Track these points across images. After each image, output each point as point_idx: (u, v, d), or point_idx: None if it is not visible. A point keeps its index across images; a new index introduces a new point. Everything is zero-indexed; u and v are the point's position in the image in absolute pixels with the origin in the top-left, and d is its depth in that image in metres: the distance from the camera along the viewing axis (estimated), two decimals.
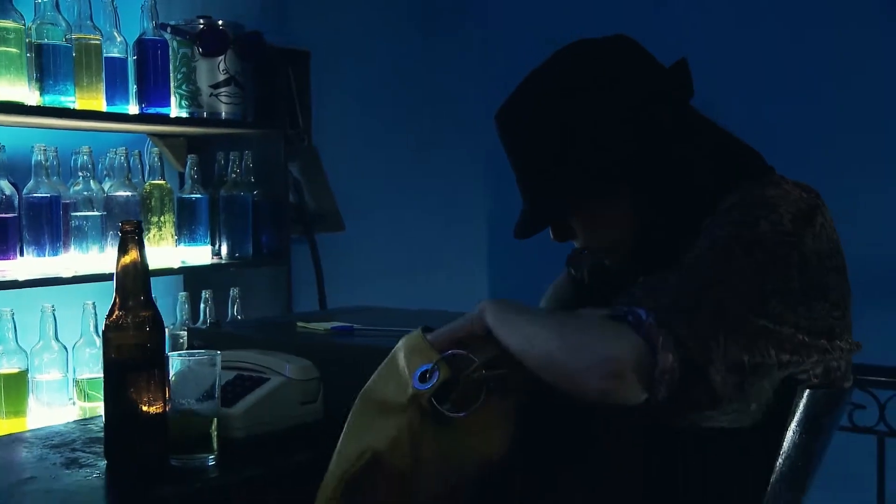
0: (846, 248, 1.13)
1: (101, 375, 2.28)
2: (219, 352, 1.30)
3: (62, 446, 1.41)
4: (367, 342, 1.55)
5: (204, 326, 2.05)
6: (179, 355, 1.31)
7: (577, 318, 1.11)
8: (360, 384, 1.48)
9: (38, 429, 1.56)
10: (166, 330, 2.39)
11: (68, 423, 1.62)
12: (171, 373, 1.30)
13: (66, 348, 2.27)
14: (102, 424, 1.46)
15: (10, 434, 1.61)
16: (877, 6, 3.01)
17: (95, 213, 2.30)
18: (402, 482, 1.12)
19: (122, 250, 1.30)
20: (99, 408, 2.29)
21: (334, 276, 3.03)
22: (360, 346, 1.54)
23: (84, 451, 1.38)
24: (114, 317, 1.30)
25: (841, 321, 1.10)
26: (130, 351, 1.28)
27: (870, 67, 3.02)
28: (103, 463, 1.31)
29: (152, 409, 1.29)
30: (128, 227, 1.30)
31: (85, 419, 1.58)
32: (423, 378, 1.14)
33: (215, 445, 1.29)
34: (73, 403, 2.31)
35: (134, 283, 1.30)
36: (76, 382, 2.31)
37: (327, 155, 3.08)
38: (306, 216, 2.95)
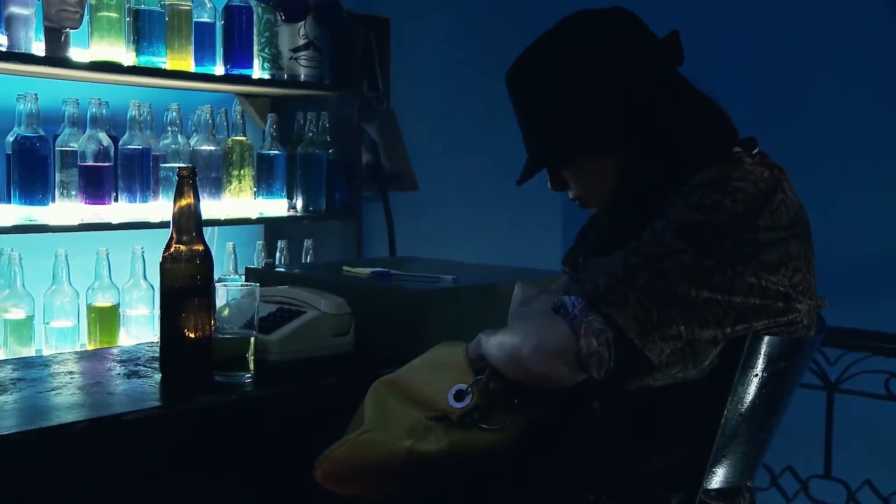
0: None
1: None
2: (258, 284, 1.49)
3: (128, 361, 1.62)
4: (399, 285, 1.72)
5: (259, 266, 2.25)
6: (224, 285, 1.50)
7: (529, 317, 1.27)
8: (389, 323, 1.65)
9: (112, 347, 1.79)
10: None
11: (139, 344, 1.84)
12: (217, 301, 1.49)
13: (152, 287, 2.51)
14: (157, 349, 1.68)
15: (88, 350, 1.84)
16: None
17: (182, 164, 2.52)
18: (412, 465, 1.27)
19: (179, 193, 1.50)
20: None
21: (406, 233, 3.20)
22: (391, 288, 1.71)
23: (144, 367, 1.59)
24: (171, 250, 1.49)
25: (803, 283, 1.20)
26: (182, 280, 1.48)
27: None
28: (158, 375, 1.52)
29: (199, 333, 1.48)
30: (184, 173, 1.49)
31: (152, 342, 1.80)
32: (458, 397, 1.28)
33: (251, 365, 1.48)
34: (156, 337, 2.55)
35: (188, 221, 1.49)
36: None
37: (404, 118, 3.24)
38: (381, 175, 3.12)
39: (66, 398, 1.38)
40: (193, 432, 1.38)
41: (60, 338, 2.37)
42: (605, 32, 1.31)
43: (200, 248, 1.49)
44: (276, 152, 2.73)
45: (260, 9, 2.71)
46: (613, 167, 1.32)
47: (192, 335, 1.47)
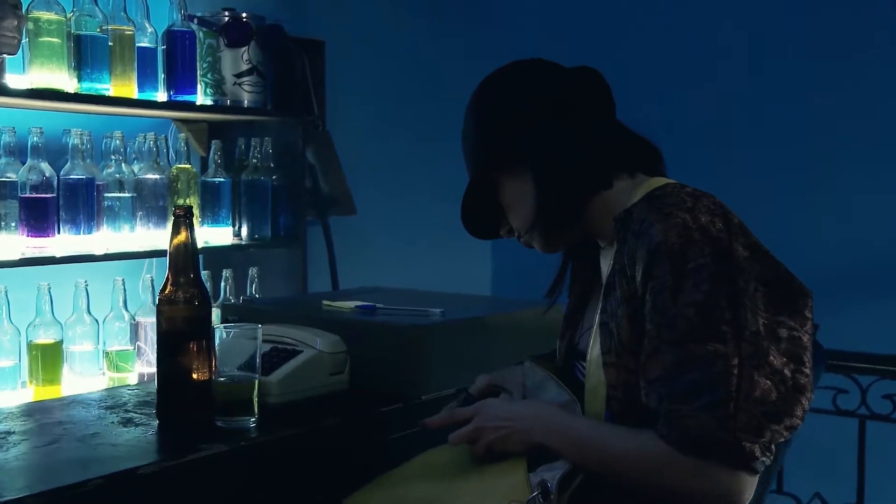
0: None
1: (129, 347, 2.44)
2: (260, 325, 1.45)
3: (116, 408, 1.56)
4: (390, 320, 1.70)
5: (238, 302, 2.19)
6: (225, 328, 1.46)
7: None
8: (383, 358, 1.64)
9: (89, 393, 1.71)
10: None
11: (117, 387, 1.77)
12: (217, 343, 1.44)
13: (97, 321, 2.41)
14: (148, 390, 1.62)
15: (66, 396, 1.76)
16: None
17: (126, 194, 2.44)
18: None
19: (175, 232, 1.45)
20: (127, 378, 2.45)
21: (345, 258, 3.17)
22: (384, 323, 1.69)
23: (136, 412, 1.53)
24: (167, 292, 1.44)
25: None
26: (181, 323, 1.43)
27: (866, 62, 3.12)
28: (156, 423, 1.46)
29: (200, 376, 1.43)
30: (180, 212, 1.44)
31: (136, 385, 1.73)
32: None
33: (256, 409, 1.44)
34: (103, 374, 2.46)
35: (185, 261, 1.44)
36: (106, 354, 2.46)
37: (340, 141, 3.22)
38: (320, 200, 3.09)
39: (70, 453, 1.31)
40: (207, 481, 1.33)
41: (1, 379, 2.25)
42: (521, 69, 1.42)
43: (198, 289, 1.45)
44: (221, 180, 2.67)
45: (202, 33, 2.65)
46: (527, 190, 1.37)
47: (192, 380, 1.43)
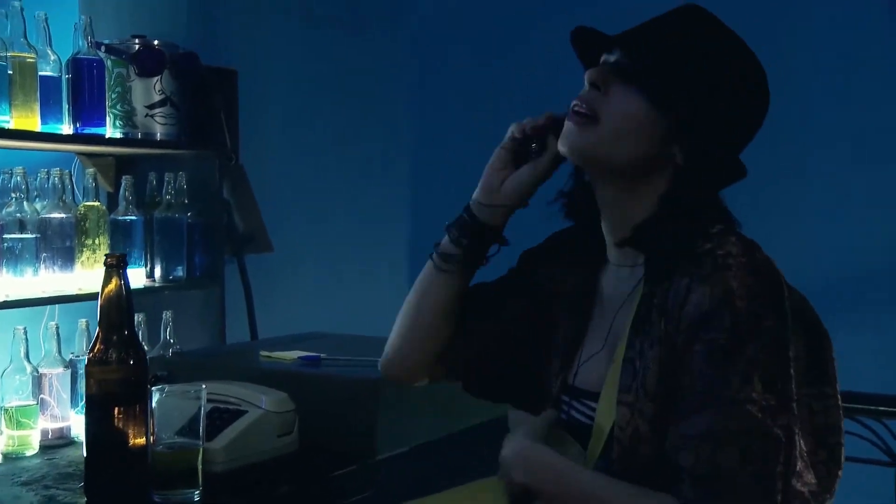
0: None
1: (32, 402, 2.24)
2: (203, 385, 1.31)
3: (33, 483, 1.38)
4: (340, 373, 1.58)
5: (166, 355, 2.02)
6: (162, 389, 1.31)
7: None
8: (333, 414, 1.51)
9: None
10: None
11: (30, 456, 1.58)
12: (155, 406, 1.29)
13: None
14: (70, 458, 1.44)
15: None
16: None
17: (28, 235, 2.24)
18: None
19: (106, 283, 1.30)
20: (30, 435, 2.23)
21: (264, 296, 3.02)
22: (334, 377, 1.57)
23: (58, 489, 1.36)
24: (97, 350, 1.29)
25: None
26: (114, 386, 1.28)
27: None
28: (83, 500, 1.30)
29: (135, 444, 1.28)
30: (112, 260, 1.30)
31: (48, 453, 1.54)
32: None
33: (200, 480, 1.30)
34: (1, 432, 2.23)
35: (118, 316, 1.29)
36: (5, 410, 2.24)
37: (254, 174, 3.07)
38: (235, 237, 2.93)
39: None
40: None
41: None
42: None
43: (132, 347, 1.30)
44: (133, 218, 2.48)
45: (111, 62, 2.47)
46: (659, 190, 1.20)
47: (126, 448, 1.27)
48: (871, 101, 3.00)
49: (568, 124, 1.19)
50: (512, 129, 1.32)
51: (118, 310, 1.29)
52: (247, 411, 1.44)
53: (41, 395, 2.28)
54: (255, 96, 3.18)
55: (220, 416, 1.43)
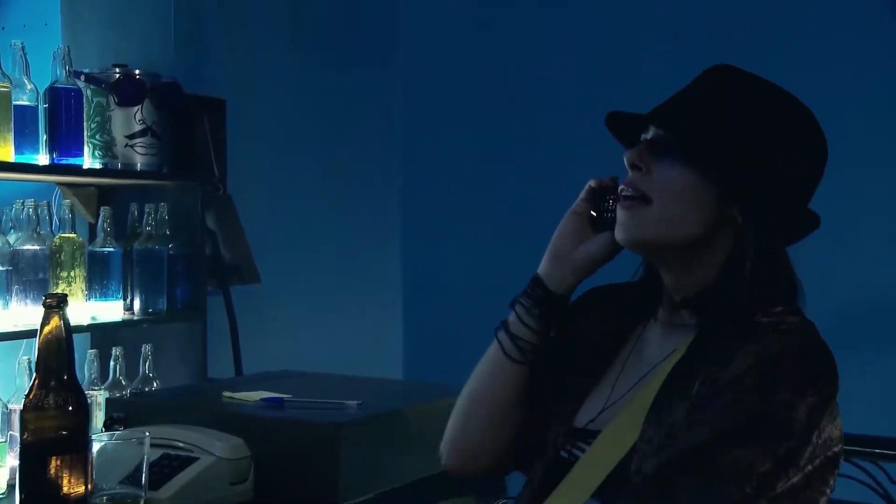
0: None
1: (1, 440, 2.17)
2: (147, 433, 1.24)
3: None
4: (301, 416, 1.50)
5: (124, 395, 1.95)
6: (103, 438, 1.24)
7: None
8: (292, 461, 1.44)
9: None
10: (98, 392, 2.29)
11: None
12: (95, 455, 1.22)
13: None
14: None
15: None
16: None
17: (0, 267, 2.19)
18: None
19: (45, 323, 1.23)
20: None
21: (250, 330, 2.95)
22: (294, 420, 1.49)
23: None
24: (33, 396, 1.22)
25: None
26: (50, 433, 1.21)
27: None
28: None
29: (73, 495, 1.21)
30: (51, 301, 1.23)
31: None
32: None
33: None
34: None
35: (57, 359, 1.23)
36: None
37: (242, 204, 3.01)
38: (221, 268, 2.87)
39: None
40: None
41: None
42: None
43: (72, 393, 1.23)
44: (111, 249, 2.43)
45: (90, 91, 2.43)
46: (724, 251, 1.15)
47: (62, 500, 1.20)
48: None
49: (621, 212, 1.16)
50: (590, 185, 1.26)
51: (57, 353, 1.22)
52: (198, 458, 1.37)
53: (10, 432, 2.22)
54: (244, 126, 3.13)
55: (170, 464, 1.36)
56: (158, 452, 1.38)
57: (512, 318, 1.25)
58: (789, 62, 2.88)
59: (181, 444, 1.40)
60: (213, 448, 1.38)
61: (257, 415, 1.52)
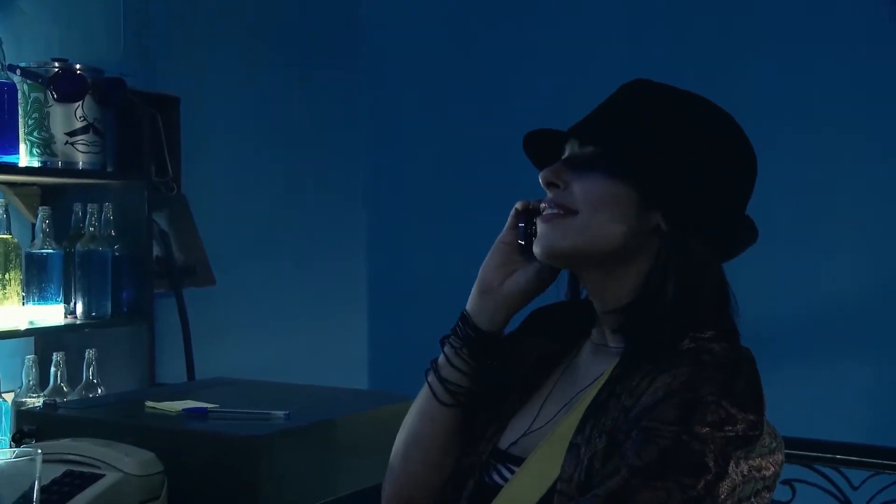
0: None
1: None
2: (39, 450, 1.15)
3: None
4: (222, 428, 1.42)
5: (37, 407, 1.84)
6: None
7: None
8: (210, 476, 1.35)
9: None
10: (10, 395, 2.20)
11: None
12: None
13: None
14: None
15: None
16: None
17: None
18: None
19: None
20: None
21: (206, 334, 2.87)
22: (212, 432, 1.41)
23: None
24: None
25: None
26: None
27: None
28: None
29: None
30: None
31: None
32: None
33: None
34: None
35: None
36: None
37: (197, 204, 2.92)
38: (174, 270, 2.78)
39: None
40: None
41: None
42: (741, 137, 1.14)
43: None
44: (50, 251, 2.33)
45: (27, 86, 2.33)
46: (643, 269, 1.09)
47: None
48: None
49: (542, 226, 1.11)
50: (516, 208, 1.19)
51: None
52: (104, 475, 1.28)
53: None
54: (200, 124, 3.04)
55: (73, 482, 1.27)
56: (61, 469, 1.29)
57: (441, 359, 1.19)
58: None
59: (87, 460, 1.31)
60: (121, 463, 1.29)
61: (175, 427, 1.43)
